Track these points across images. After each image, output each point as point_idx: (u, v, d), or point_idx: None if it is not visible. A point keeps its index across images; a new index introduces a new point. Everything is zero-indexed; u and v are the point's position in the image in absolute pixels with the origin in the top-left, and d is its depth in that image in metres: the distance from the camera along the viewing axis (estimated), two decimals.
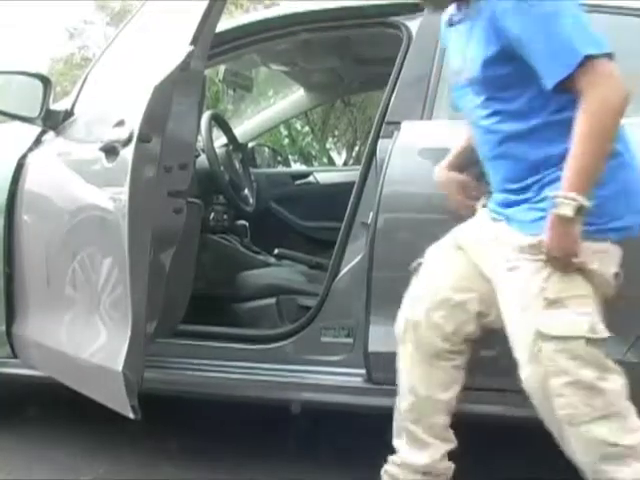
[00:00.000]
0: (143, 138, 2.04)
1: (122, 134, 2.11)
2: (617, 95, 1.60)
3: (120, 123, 2.15)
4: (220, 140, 3.36)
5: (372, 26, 2.60)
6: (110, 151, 2.16)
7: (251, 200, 3.26)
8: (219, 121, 3.27)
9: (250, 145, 3.82)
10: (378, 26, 2.57)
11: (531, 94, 1.70)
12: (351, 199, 2.33)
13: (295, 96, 3.93)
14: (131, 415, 2.04)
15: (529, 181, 1.74)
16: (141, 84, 2.10)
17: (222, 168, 3.02)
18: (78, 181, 2.37)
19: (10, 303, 2.61)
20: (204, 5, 2.08)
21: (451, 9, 1.91)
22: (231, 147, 3.27)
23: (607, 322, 1.73)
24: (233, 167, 3.17)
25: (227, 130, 3.34)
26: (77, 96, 2.60)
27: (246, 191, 3.25)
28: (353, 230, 2.31)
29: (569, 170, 1.62)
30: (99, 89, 2.55)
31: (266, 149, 4.22)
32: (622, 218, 1.72)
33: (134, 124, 2.06)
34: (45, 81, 2.56)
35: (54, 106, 2.59)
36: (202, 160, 2.97)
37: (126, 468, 2.43)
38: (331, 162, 7.80)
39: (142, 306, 2.07)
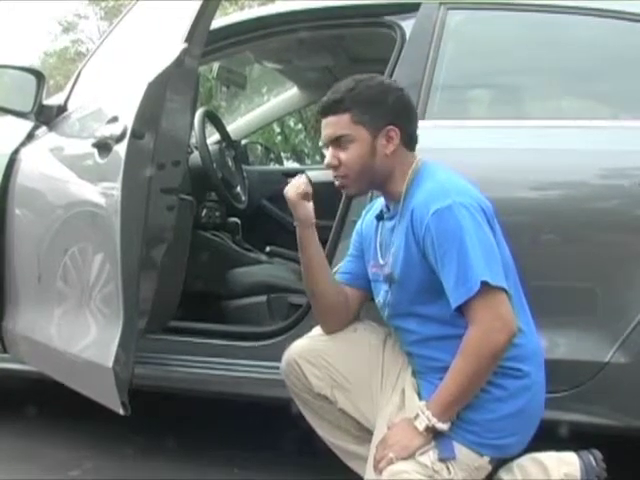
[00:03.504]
0: (136, 134, 2.04)
1: (115, 130, 2.11)
2: (501, 337, 1.66)
3: (113, 119, 2.16)
4: (213, 137, 3.36)
5: (366, 25, 2.60)
6: (103, 147, 2.17)
7: (243, 197, 3.26)
8: (212, 118, 3.27)
9: (243, 142, 3.81)
10: (372, 26, 2.57)
11: (446, 303, 1.73)
12: (343, 198, 2.33)
13: (288, 94, 3.93)
14: (121, 411, 2.04)
15: (435, 380, 1.78)
16: (135, 81, 2.10)
17: (215, 165, 3.01)
18: (70, 176, 2.38)
19: (1, 297, 2.61)
20: (199, 2, 2.09)
21: (382, 201, 1.95)
22: (224, 144, 3.26)
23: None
24: (226, 164, 3.17)
25: (220, 127, 3.33)
26: (70, 91, 2.60)
27: (238, 188, 3.25)
28: (344, 228, 2.32)
29: (440, 393, 1.71)
30: (93, 85, 2.55)
31: (259, 146, 4.22)
32: (509, 437, 1.76)
33: (127, 120, 2.07)
34: (38, 76, 2.56)
35: (47, 101, 2.59)
36: (195, 157, 2.97)
37: (114, 464, 2.43)
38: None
39: (133, 302, 2.07)
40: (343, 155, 1.83)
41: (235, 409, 2.66)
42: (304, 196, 1.93)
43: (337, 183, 1.89)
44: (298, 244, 1.95)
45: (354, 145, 1.82)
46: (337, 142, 1.84)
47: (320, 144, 1.96)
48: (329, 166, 1.86)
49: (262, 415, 2.66)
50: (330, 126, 1.85)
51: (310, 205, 1.94)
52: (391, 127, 1.83)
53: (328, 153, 1.86)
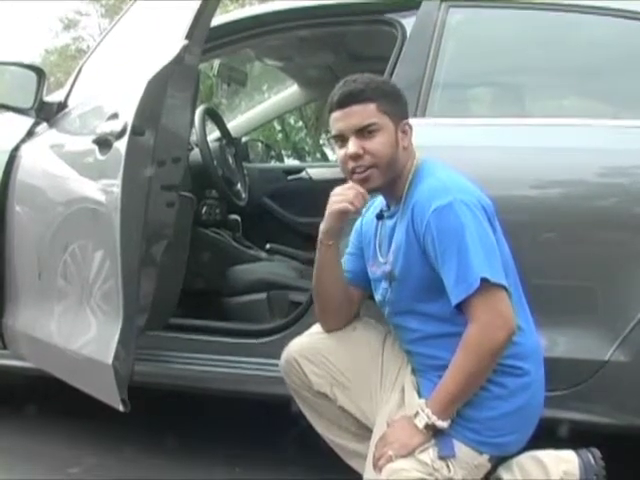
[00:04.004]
0: (136, 131, 2.04)
1: (116, 127, 2.11)
2: (501, 335, 1.66)
3: (114, 116, 2.16)
4: (214, 134, 3.36)
5: (367, 23, 2.60)
6: (103, 144, 2.17)
7: (243, 195, 3.26)
8: (213, 115, 3.27)
9: (243, 140, 3.81)
10: (373, 23, 2.56)
11: (446, 300, 1.72)
12: None
13: (289, 91, 3.93)
14: (121, 408, 2.04)
15: (434, 378, 1.78)
16: (135, 77, 2.10)
17: (215, 162, 3.01)
18: (71, 173, 2.38)
19: (1, 294, 2.61)
20: None
21: (381, 201, 1.94)
22: (224, 141, 3.26)
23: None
24: (226, 161, 3.17)
25: (221, 124, 3.33)
26: (71, 88, 2.60)
27: (239, 186, 3.25)
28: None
29: (440, 391, 1.71)
30: (93, 82, 2.55)
31: (259, 144, 4.22)
32: (509, 435, 1.76)
33: (128, 117, 2.07)
34: (39, 72, 2.56)
35: (48, 98, 2.59)
36: (195, 154, 2.97)
37: (114, 462, 2.43)
38: (324, 158, 7.79)
39: (133, 299, 2.07)
40: (369, 144, 1.79)
41: (236, 407, 2.66)
42: (341, 214, 1.85)
43: (358, 176, 1.82)
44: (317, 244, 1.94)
45: (381, 134, 1.79)
46: (361, 132, 1.79)
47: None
48: (353, 156, 1.79)
49: (263, 413, 2.66)
50: (355, 115, 1.79)
51: (342, 222, 1.88)
52: (406, 121, 1.86)
53: (352, 143, 1.79)
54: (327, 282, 1.95)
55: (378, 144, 1.79)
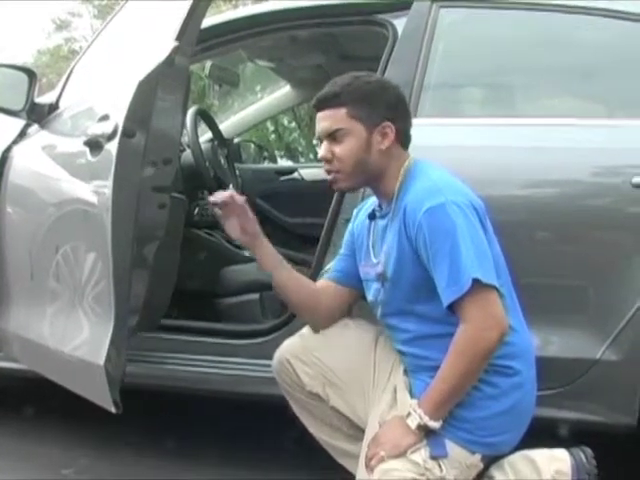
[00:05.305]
0: (127, 133, 2.04)
1: (106, 128, 2.11)
2: (492, 335, 1.66)
3: (105, 117, 2.15)
4: (206, 135, 3.35)
5: (358, 23, 2.61)
6: (94, 145, 2.16)
7: None
8: (205, 116, 3.27)
9: (236, 141, 3.81)
10: (364, 24, 2.57)
11: (438, 301, 1.73)
12: (335, 196, 2.33)
13: (281, 92, 3.93)
14: (113, 409, 2.04)
15: (426, 378, 1.78)
16: (126, 79, 2.10)
17: (207, 163, 3.01)
18: (62, 175, 2.37)
19: None
20: (190, 0, 2.08)
21: (374, 200, 1.96)
22: (216, 142, 3.26)
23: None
24: (218, 162, 3.16)
25: (213, 125, 3.33)
26: (62, 90, 2.60)
27: (231, 187, 3.23)
28: (336, 227, 2.32)
29: (432, 392, 1.71)
30: (84, 83, 2.55)
31: (252, 145, 4.22)
32: (501, 434, 1.76)
33: (118, 119, 2.06)
34: (30, 74, 2.56)
35: (39, 99, 2.59)
36: (187, 155, 2.97)
37: (108, 462, 2.43)
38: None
39: (125, 300, 2.07)
40: (337, 149, 1.83)
41: (232, 408, 2.66)
42: (229, 211, 1.97)
43: (329, 177, 1.88)
44: None
45: (349, 139, 1.82)
46: (332, 136, 1.84)
47: (314, 139, 1.93)
48: (322, 160, 1.87)
49: (259, 414, 2.66)
50: (326, 120, 1.85)
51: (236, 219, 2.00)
52: (387, 123, 1.84)
53: (322, 147, 1.86)
54: (289, 284, 2.04)
55: (345, 150, 1.82)
